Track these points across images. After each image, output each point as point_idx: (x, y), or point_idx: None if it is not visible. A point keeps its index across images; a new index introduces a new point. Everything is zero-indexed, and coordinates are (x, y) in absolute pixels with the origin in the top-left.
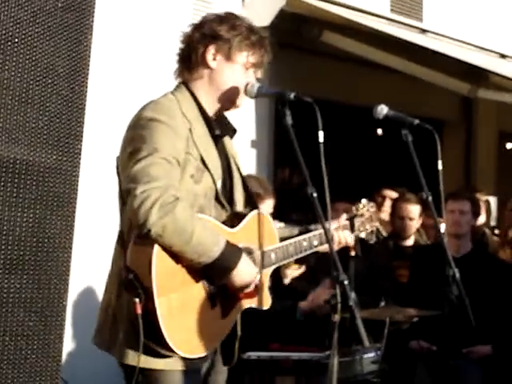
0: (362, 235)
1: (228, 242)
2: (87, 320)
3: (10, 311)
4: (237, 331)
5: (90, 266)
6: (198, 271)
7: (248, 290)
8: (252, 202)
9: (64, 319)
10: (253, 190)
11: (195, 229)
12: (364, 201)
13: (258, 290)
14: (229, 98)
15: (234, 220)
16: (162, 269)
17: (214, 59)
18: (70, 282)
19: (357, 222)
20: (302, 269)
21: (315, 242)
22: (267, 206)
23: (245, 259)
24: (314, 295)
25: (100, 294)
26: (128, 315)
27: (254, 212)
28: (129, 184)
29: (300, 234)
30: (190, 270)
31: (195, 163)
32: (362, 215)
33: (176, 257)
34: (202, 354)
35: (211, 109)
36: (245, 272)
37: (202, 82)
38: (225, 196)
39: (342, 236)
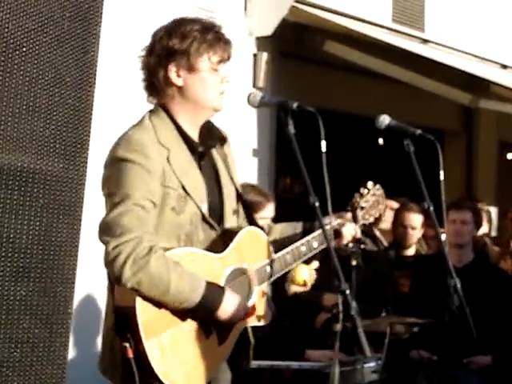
0: (371, 220)
1: (208, 284)
2: (91, 328)
3: (16, 318)
4: (249, 339)
5: (95, 274)
6: (184, 311)
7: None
8: (248, 214)
9: (69, 327)
10: (252, 200)
11: (171, 279)
12: (369, 184)
13: (254, 308)
14: (208, 107)
15: (223, 239)
16: (147, 315)
17: (179, 76)
18: (76, 290)
19: (360, 212)
20: (308, 287)
21: (315, 244)
22: (269, 211)
23: (228, 296)
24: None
25: (105, 301)
26: (123, 356)
27: (245, 228)
28: (102, 236)
29: (304, 232)
30: (176, 311)
31: (175, 194)
32: (365, 202)
33: (160, 303)
34: None
35: (192, 124)
36: (231, 309)
37: (174, 102)
38: (213, 215)
39: (348, 231)
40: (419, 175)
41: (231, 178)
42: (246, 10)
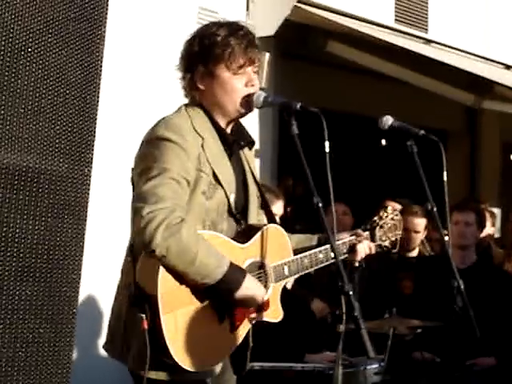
0: (387, 244)
1: (232, 264)
2: (96, 327)
3: (21, 318)
4: (249, 342)
5: (100, 274)
6: (203, 290)
7: (256, 308)
8: (269, 215)
9: (74, 327)
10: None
11: (199, 251)
12: (389, 209)
13: (268, 303)
14: (230, 110)
15: (247, 233)
16: (167, 287)
17: (202, 80)
18: (81, 290)
19: (378, 232)
20: None
21: (332, 254)
22: (277, 208)
23: (249, 280)
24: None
25: (110, 301)
26: (139, 328)
27: (268, 225)
28: (136, 203)
29: (319, 243)
30: (195, 288)
31: (207, 179)
32: (384, 224)
33: (181, 276)
34: (209, 368)
35: (224, 121)
36: (249, 293)
37: (204, 102)
38: (239, 209)
39: (363, 248)
40: (422, 176)
41: (255, 180)
42: (248, 9)
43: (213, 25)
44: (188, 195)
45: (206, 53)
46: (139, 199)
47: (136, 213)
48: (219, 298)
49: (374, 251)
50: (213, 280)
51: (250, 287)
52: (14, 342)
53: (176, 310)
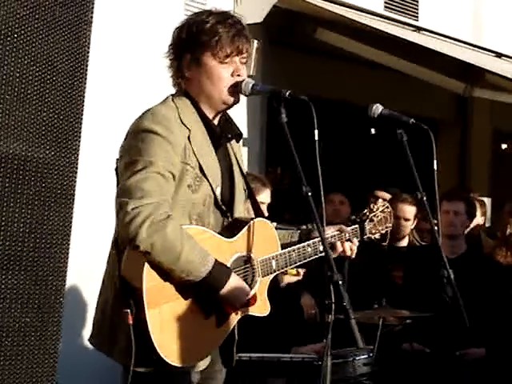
0: (377, 236)
1: (217, 263)
2: (83, 316)
3: (7, 307)
4: (234, 336)
5: (87, 263)
6: (188, 287)
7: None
8: (255, 208)
9: (61, 316)
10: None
11: (184, 248)
12: (380, 202)
13: (255, 298)
14: (216, 99)
15: (234, 227)
16: (153, 282)
17: (189, 69)
18: (67, 279)
19: (368, 225)
20: (300, 276)
21: (321, 248)
22: (264, 196)
23: (234, 279)
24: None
25: (97, 290)
26: (124, 323)
27: (255, 219)
28: (121, 197)
29: (300, 240)
30: (180, 284)
31: (193, 172)
32: (374, 217)
33: (166, 272)
34: (194, 363)
35: (211, 113)
36: (234, 292)
37: (191, 91)
38: (225, 202)
39: (349, 247)
40: (412, 165)
41: (241, 172)
42: None
43: (203, 13)
44: (174, 188)
45: (193, 40)
46: (124, 193)
47: (121, 207)
48: (204, 295)
49: (354, 250)
50: (197, 278)
51: (234, 285)
52: (0, 330)
53: (161, 305)
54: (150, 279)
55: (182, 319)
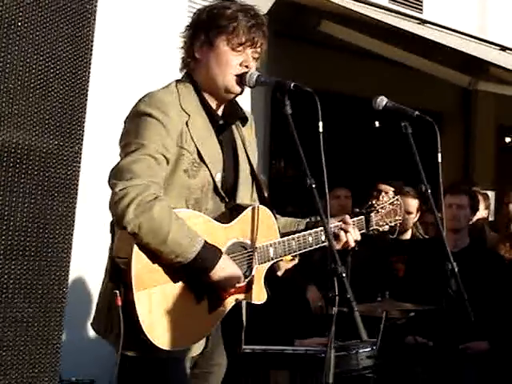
0: (385, 228)
1: (206, 244)
2: (86, 306)
3: (10, 297)
4: (242, 322)
5: (90, 253)
6: (178, 269)
7: (233, 289)
8: (260, 195)
9: (64, 306)
10: None
11: (171, 229)
12: (390, 194)
13: (250, 284)
14: (220, 85)
15: (233, 213)
16: (142, 264)
17: (201, 49)
18: (70, 269)
19: (375, 216)
20: (296, 260)
21: (323, 238)
22: None
23: (224, 260)
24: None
25: (100, 281)
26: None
27: (254, 205)
28: (112, 179)
29: (307, 228)
30: (170, 266)
31: (190, 158)
32: (381, 209)
33: (156, 254)
34: (183, 347)
35: (214, 100)
36: (225, 274)
37: (197, 75)
38: (227, 188)
39: (351, 238)
40: (417, 157)
41: (248, 158)
42: None
43: (228, 1)
44: (167, 172)
45: (211, 22)
46: (115, 175)
47: (111, 189)
48: (194, 277)
49: (352, 243)
50: (186, 259)
51: (225, 267)
52: (3, 321)
53: (151, 287)
54: (139, 260)
55: (171, 302)
